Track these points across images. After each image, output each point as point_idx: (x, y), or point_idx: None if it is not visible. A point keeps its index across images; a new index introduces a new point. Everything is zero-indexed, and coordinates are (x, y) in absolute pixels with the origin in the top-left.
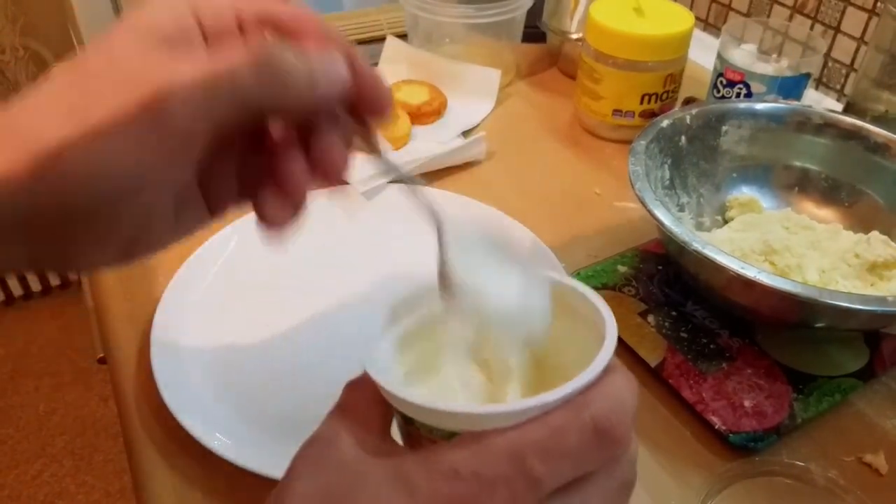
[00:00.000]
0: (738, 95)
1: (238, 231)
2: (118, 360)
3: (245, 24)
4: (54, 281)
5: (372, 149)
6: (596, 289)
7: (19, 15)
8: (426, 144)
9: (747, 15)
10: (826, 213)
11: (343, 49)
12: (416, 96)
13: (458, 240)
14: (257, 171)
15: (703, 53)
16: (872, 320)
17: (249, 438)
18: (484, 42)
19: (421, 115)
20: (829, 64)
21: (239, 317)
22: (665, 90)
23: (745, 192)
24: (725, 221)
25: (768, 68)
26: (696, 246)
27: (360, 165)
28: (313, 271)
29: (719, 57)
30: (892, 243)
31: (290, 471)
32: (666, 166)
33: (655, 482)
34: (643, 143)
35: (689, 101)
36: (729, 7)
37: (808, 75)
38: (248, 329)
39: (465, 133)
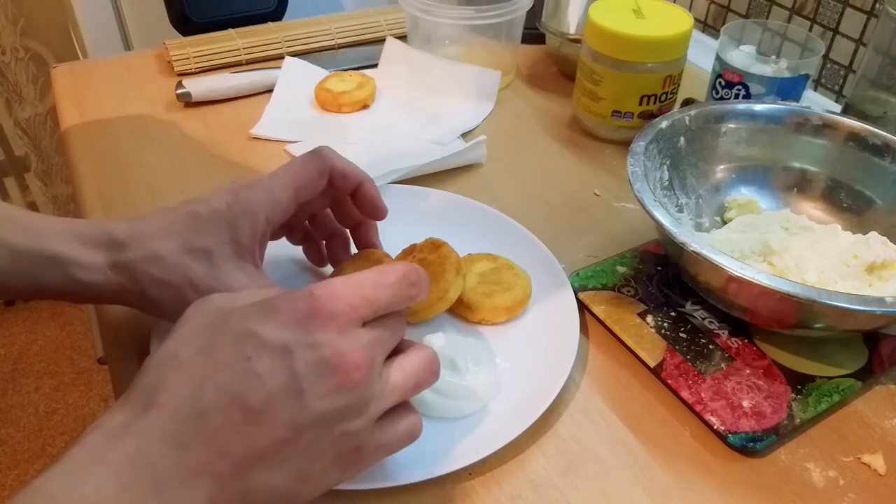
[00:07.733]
0: (736, 96)
1: None
2: (118, 361)
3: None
4: None
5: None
6: (595, 289)
7: (20, 16)
8: (425, 144)
9: (746, 16)
10: (825, 213)
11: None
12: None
13: None
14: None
15: (702, 55)
16: (871, 321)
17: None
18: (484, 43)
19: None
20: (828, 65)
21: None
22: (664, 91)
23: (744, 193)
24: (724, 222)
25: (767, 69)
26: (695, 247)
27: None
28: (314, 274)
29: (718, 58)
30: (891, 244)
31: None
32: (665, 167)
33: (654, 482)
34: (642, 144)
35: (688, 103)
36: (728, 8)
37: (806, 76)
38: None
39: (465, 134)
